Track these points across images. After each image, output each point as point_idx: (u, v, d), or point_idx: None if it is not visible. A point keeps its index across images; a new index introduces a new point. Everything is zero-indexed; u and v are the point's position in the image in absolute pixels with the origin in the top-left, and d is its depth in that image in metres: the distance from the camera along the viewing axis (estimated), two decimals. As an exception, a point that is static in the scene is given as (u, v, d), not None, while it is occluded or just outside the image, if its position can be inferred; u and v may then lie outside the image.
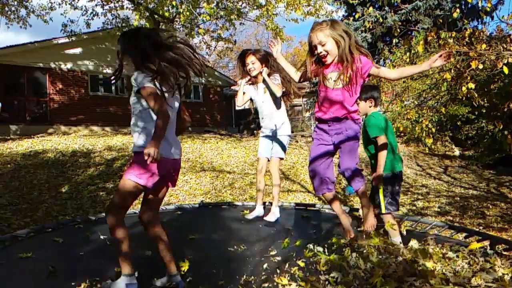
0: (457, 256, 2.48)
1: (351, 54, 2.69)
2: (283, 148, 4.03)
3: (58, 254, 2.90)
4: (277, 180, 4.07)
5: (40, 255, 2.82)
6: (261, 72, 3.91)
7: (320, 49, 2.72)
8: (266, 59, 3.90)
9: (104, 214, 4.33)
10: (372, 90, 3.24)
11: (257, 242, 3.17)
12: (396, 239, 3.13)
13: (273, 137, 4.05)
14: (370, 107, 3.21)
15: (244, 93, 4.10)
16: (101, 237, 3.30)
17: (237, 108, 4.20)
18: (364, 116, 3.29)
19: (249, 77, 4.04)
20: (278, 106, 4.00)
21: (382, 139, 3.04)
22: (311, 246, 2.42)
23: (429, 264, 2.16)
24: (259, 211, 4.16)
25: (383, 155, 3.08)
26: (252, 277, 2.38)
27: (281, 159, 4.08)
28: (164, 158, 2.21)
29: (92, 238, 3.33)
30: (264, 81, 3.91)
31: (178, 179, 2.50)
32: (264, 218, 4.02)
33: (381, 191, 3.15)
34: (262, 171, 4.12)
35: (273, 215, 4.01)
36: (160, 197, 2.42)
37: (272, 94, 3.91)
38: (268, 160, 4.11)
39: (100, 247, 3.07)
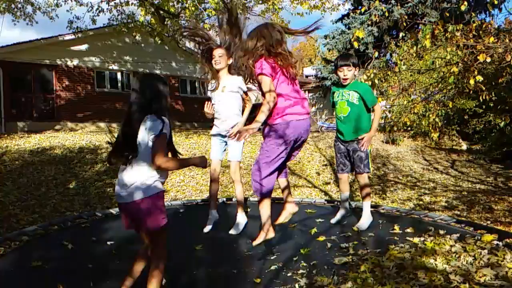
0: (465, 250, 2.47)
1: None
2: (239, 150, 3.73)
3: (67, 261, 2.90)
4: (239, 185, 3.74)
5: (50, 264, 2.81)
6: (226, 66, 3.57)
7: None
8: (230, 50, 3.54)
9: (111, 211, 4.38)
10: (353, 57, 3.42)
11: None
12: (366, 218, 3.37)
13: (227, 138, 3.69)
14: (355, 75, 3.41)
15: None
16: (108, 243, 3.29)
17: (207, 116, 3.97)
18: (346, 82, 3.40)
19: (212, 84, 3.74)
20: (235, 107, 3.71)
21: (379, 105, 3.31)
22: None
23: (432, 261, 2.15)
24: (214, 216, 3.76)
25: (378, 119, 3.34)
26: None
27: (240, 162, 3.77)
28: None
29: (99, 242, 3.32)
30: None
31: (147, 225, 2.15)
32: (230, 231, 3.57)
33: (370, 151, 3.36)
34: (215, 174, 3.74)
35: (238, 226, 3.62)
36: (149, 238, 2.23)
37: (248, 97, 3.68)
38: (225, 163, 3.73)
39: (107, 253, 3.07)
